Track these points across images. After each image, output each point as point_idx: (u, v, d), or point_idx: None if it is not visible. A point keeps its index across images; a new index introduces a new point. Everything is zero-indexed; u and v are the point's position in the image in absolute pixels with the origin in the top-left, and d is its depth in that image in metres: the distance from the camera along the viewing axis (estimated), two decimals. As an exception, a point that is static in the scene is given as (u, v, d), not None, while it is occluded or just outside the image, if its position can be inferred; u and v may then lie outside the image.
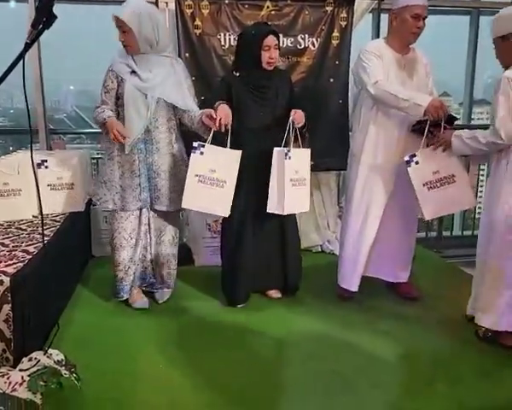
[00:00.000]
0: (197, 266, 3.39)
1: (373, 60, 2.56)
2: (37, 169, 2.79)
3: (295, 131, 2.52)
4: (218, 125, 2.37)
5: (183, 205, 2.47)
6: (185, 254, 3.43)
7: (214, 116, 2.37)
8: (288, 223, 2.75)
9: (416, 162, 2.47)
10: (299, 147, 2.59)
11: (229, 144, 2.44)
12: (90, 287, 2.99)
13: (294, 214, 2.76)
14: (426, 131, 2.49)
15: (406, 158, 2.49)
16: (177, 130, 2.66)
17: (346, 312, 2.72)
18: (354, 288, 2.79)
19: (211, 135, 2.42)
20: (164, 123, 2.57)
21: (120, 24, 2.42)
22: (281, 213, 2.56)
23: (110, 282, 2.79)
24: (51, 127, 3.92)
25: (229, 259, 2.77)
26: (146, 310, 2.71)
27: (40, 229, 2.13)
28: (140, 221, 2.67)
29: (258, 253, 2.73)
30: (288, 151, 2.49)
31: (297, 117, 2.51)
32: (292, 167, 2.51)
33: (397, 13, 2.58)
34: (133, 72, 2.49)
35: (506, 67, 2.25)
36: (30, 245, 2.32)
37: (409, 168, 2.48)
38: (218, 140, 2.45)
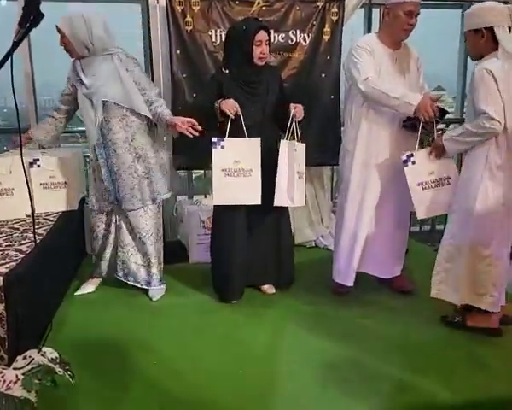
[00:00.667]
0: (191, 263, 3.39)
1: (364, 55, 2.56)
2: (30, 168, 2.78)
3: (292, 125, 2.53)
4: (234, 115, 2.46)
5: (216, 202, 2.53)
6: (179, 251, 3.44)
7: (183, 129, 2.46)
8: (281, 217, 2.77)
9: (413, 162, 2.48)
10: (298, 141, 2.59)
11: (246, 134, 2.48)
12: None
13: (287, 208, 2.77)
14: (419, 127, 2.49)
15: (403, 157, 2.49)
16: (139, 124, 2.64)
17: (341, 306, 2.74)
18: (350, 282, 2.80)
19: (228, 127, 2.46)
20: (116, 123, 2.59)
21: (58, 30, 2.53)
22: (290, 206, 2.59)
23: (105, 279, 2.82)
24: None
25: (222, 254, 2.77)
26: (140, 307, 2.73)
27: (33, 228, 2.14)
28: (111, 220, 2.81)
29: (252, 247, 2.74)
30: (295, 144, 2.51)
31: (298, 111, 2.53)
32: (297, 160, 2.53)
33: (390, 8, 2.57)
34: (80, 79, 2.58)
35: (476, 59, 2.30)
36: (23, 244, 2.31)
37: (405, 168, 2.49)
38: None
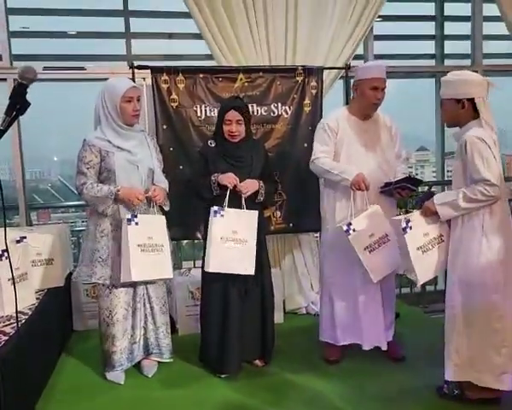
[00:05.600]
0: (181, 335, 3.33)
1: (322, 136, 2.73)
2: (17, 245, 2.77)
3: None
4: (232, 187, 2.56)
5: (211, 269, 2.53)
6: (168, 324, 3.38)
7: (140, 198, 2.51)
8: (266, 288, 2.77)
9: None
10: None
11: (244, 206, 2.56)
12: (71, 364, 2.92)
13: (270, 278, 2.80)
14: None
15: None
16: None
17: (334, 376, 2.68)
18: (366, 345, 2.76)
19: (227, 199, 2.54)
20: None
21: (139, 93, 2.59)
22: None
23: (93, 357, 2.74)
24: (37, 199, 3.95)
25: (215, 326, 2.71)
26: (134, 381, 2.67)
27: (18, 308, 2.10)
28: (135, 293, 2.67)
29: (242, 319, 2.70)
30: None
31: (245, 187, 2.61)
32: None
33: (357, 85, 2.72)
34: (118, 147, 2.55)
35: (449, 126, 2.38)
36: (7, 325, 2.28)
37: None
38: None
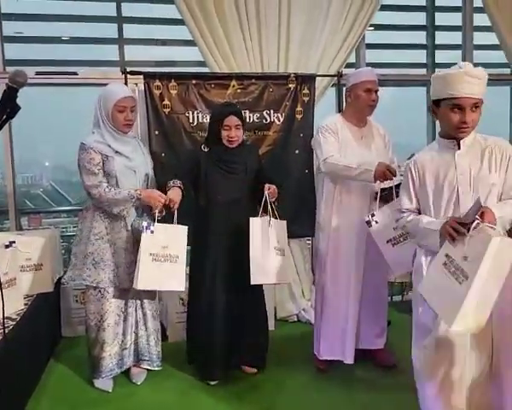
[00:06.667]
0: (171, 342, 3.31)
1: (327, 136, 2.70)
2: (5, 250, 2.75)
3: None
4: (163, 206, 2.49)
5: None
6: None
7: (162, 201, 2.47)
8: (257, 297, 2.75)
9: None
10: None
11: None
12: (60, 371, 2.89)
13: (262, 288, 2.77)
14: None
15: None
16: None
17: (324, 384, 2.68)
18: (349, 360, 2.76)
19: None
20: None
21: (133, 104, 2.56)
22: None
23: (82, 364, 2.71)
24: (28, 204, 3.92)
25: (202, 331, 2.70)
26: (122, 389, 2.64)
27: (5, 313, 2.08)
28: (128, 297, 2.65)
29: (231, 325, 2.69)
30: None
31: (272, 192, 2.59)
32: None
33: (350, 90, 2.74)
34: (116, 151, 2.54)
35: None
36: (-6, 331, 2.24)
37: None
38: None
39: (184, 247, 2.49)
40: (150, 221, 2.48)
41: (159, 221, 2.47)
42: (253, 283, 2.50)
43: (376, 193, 2.68)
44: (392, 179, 2.54)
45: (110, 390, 2.63)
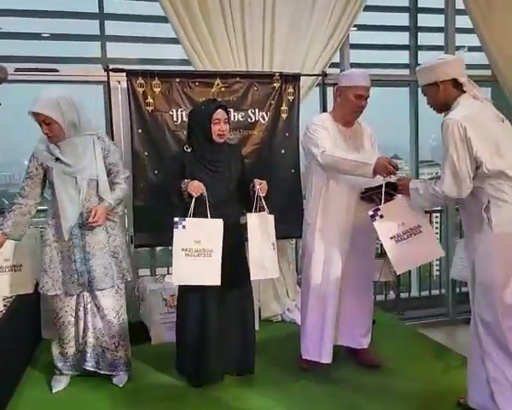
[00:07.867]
0: (153, 344, 3.26)
1: (319, 131, 2.65)
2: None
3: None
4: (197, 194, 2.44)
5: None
6: (141, 332, 3.31)
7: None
8: (246, 298, 2.73)
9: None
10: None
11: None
12: (39, 373, 2.84)
13: (251, 289, 2.74)
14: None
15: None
16: None
17: (309, 384, 2.67)
18: (326, 359, 2.72)
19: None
20: (96, 202, 2.56)
21: (42, 118, 2.41)
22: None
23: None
24: (7, 203, 3.83)
25: (192, 336, 2.65)
26: (104, 393, 2.60)
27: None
28: (78, 303, 2.63)
29: (222, 328, 2.65)
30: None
31: (262, 187, 2.54)
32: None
33: (341, 90, 2.71)
34: (57, 159, 2.49)
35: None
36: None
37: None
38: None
39: (219, 241, 2.43)
40: (181, 217, 2.44)
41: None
42: (252, 278, 2.50)
43: (362, 193, 2.66)
44: (394, 174, 2.46)
45: (55, 390, 2.63)
